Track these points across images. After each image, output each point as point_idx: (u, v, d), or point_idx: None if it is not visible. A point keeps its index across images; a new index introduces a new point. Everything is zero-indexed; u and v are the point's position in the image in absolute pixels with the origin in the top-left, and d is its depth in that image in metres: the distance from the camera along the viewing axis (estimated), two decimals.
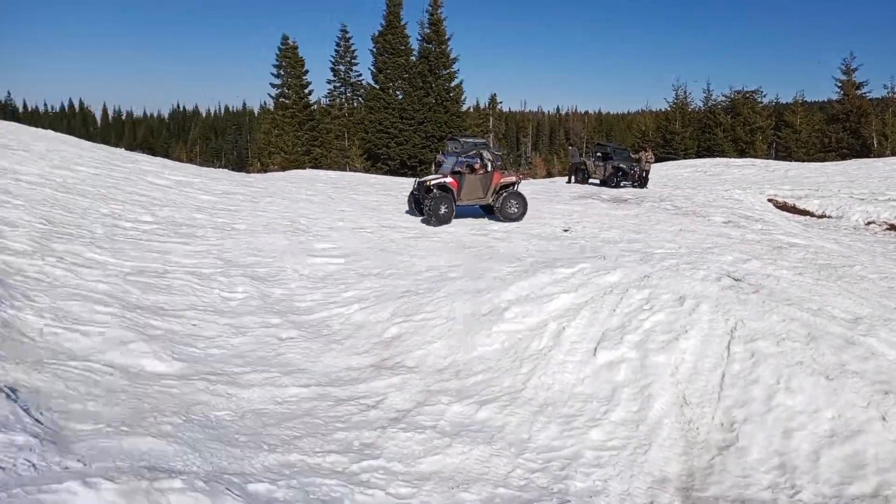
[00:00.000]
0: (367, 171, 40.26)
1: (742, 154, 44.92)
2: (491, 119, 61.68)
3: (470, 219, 15.50)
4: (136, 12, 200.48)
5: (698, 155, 46.06)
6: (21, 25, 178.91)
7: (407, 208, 16.47)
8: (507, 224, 14.77)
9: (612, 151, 25.57)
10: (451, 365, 6.86)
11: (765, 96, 51.85)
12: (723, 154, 44.39)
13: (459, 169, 15.42)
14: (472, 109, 56.48)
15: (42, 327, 6.18)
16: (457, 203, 15.16)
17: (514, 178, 15.97)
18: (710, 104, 52.70)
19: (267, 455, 4.71)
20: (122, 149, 25.13)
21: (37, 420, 4.42)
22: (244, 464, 4.53)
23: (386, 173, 38.48)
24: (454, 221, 14.99)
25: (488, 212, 16.02)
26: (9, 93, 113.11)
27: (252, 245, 11.56)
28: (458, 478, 4.85)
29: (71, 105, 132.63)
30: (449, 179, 15.17)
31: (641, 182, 24.34)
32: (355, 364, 6.87)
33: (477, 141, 26.32)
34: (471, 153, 15.77)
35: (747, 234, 13.49)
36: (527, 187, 25.52)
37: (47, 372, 5.24)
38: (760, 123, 49.12)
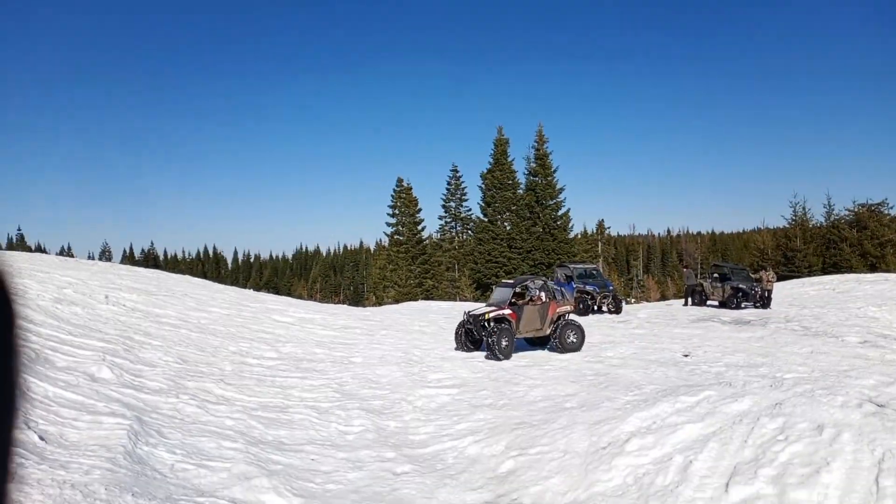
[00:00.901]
0: (476, 300, 40.76)
1: (873, 269, 41.85)
2: (599, 244, 61.63)
3: (585, 345, 15.15)
4: (263, 165, 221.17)
5: (824, 272, 43.32)
6: (162, 179, 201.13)
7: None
8: (623, 349, 14.34)
9: (730, 271, 24.72)
10: (570, 502, 6.55)
11: (892, 208, 48.65)
12: (851, 270, 41.53)
13: (516, 300, 14.91)
14: (579, 236, 56.75)
15: (173, 463, 6.50)
16: (516, 335, 14.50)
17: (569, 308, 15.31)
18: (832, 219, 50.12)
19: None
20: (251, 290, 26.94)
21: None
22: None
23: None
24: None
25: (541, 344, 15.28)
26: (151, 243, 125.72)
27: (368, 378, 11.83)
28: None
29: (206, 251, 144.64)
30: (508, 311, 14.57)
31: (764, 302, 23.18)
32: (470, 500, 6.70)
33: (587, 267, 26.43)
34: (518, 284, 15.35)
35: (887, 355, 12.39)
36: (642, 311, 24.90)
37: None
38: (890, 236, 45.90)
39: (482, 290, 43.90)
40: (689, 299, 25.78)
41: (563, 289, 16.19)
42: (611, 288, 24.63)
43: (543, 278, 16.19)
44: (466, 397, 10.59)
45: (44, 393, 7.35)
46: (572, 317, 15.47)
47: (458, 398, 10.57)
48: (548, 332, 14.91)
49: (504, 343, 13.92)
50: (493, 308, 14.76)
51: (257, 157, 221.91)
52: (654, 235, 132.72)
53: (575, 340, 14.68)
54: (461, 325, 15.16)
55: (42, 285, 14.21)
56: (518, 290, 15.15)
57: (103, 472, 5.48)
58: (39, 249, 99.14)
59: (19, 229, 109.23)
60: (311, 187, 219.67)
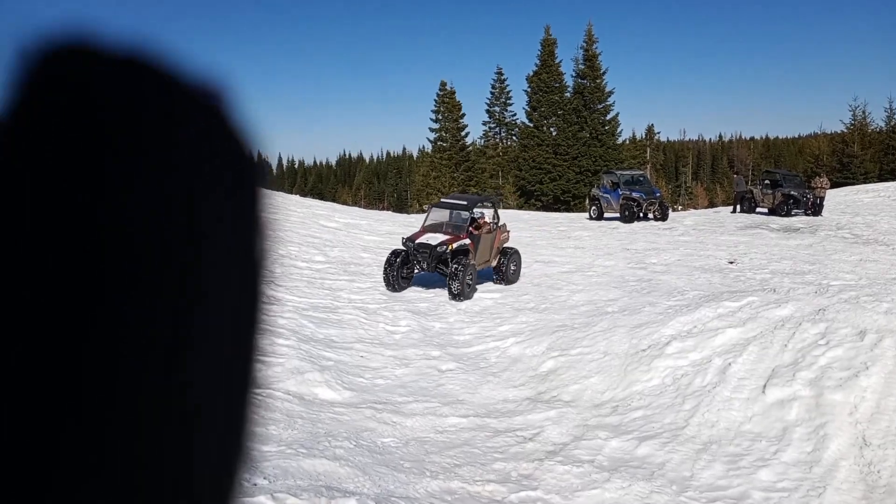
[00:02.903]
0: (520, 207, 40.63)
1: None
2: (648, 150, 60.07)
3: (629, 252, 15.16)
4: (308, 68, 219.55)
5: (881, 179, 41.34)
6: None
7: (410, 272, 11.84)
8: (667, 256, 14.28)
9: (782, 178, 24.01)
10: (608, 400, 6.80)
11: None
12: None
13: (474, 227, 12.02)
14: (628, 141, 55.29)
15: None
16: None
17: (507, 234, 13.12)
18: (893, 123, 47.39)
19: (430, 481, 4.96)
20: (297, 195, 27.39)
21: None
22: (409, 488, 4.80)
23: (539, 209, 38.64)
24: (616, 255, 14.73)
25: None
26: None
27: (414, 281, 12.14)
28: None
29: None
30: (468, 241, 11.68)
31: (815, 210, 22.57)
32: (512, 396, 7.01)
33: (634, 173, 25.95)
34: (474, 206, 12.63)
35: None
36: (689, 218, 24.58)
37: None
38: None
39: (526, 198, 43.62)
40: (738, 206, 25.25)
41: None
42: (657, 194, 24.22)
43: (493, 197, 14.14)
44: (509, 301, 10.83)
45: None
46: (508, 244, 13.07)
47: (501, 302, 10.82)
48: (494, 263, 12.40)
49: (470, 280, 11.28)
50: (448, 236, 11.62)
51: (301, 62, 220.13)
52: (704, 141, 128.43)
53: (515, 269, 12.59)
54: (396, 255, 11.67)
55: None
56: (475, 213, 12.29)
57: None
58: None
59: None
60: (353, 92, 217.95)
